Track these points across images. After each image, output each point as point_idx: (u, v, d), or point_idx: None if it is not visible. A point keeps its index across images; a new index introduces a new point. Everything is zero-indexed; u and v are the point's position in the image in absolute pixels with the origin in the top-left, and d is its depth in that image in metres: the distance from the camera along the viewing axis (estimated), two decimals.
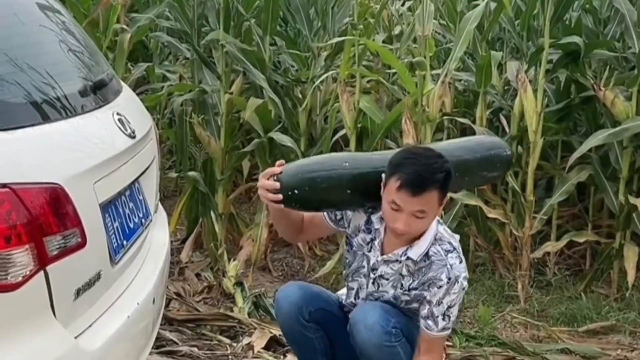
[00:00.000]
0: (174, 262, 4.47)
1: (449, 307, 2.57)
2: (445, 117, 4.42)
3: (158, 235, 2.77)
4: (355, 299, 2.75)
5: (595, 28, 4.71)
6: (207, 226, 4.59)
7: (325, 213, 2.73)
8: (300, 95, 4.83)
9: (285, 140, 4.44)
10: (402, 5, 5.80)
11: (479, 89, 4.44)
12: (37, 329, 1.85)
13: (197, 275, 4.39)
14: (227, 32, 4.51)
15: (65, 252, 1.89)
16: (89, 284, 2.03)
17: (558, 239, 4.41)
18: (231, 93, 4.53)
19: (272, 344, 3.51)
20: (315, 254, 4.68)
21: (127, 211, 2.37)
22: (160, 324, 3.10)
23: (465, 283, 2.60)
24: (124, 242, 2.30)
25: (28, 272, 1.81)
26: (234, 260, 4.27)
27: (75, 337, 1.98)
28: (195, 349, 3.42)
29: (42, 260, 1.83)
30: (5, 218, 1.77)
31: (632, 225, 4.18)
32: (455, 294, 2.57)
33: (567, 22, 4.66)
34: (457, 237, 2.70)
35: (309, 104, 4.65)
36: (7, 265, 1.78)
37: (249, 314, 3.81)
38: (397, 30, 5.43)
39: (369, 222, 2.68)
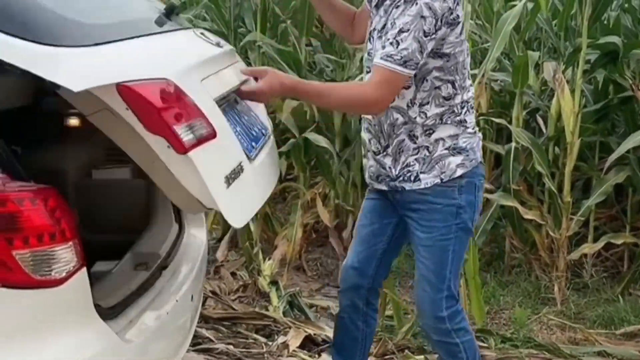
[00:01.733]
0: (210, 261, 4.51)
1: (401, 30, 2.34)
2: (481, 118, 4.40)
3: (196, 233, 2.82)
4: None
5: (634, 28, 4.67)
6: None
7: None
8: None
9: (320, 140, 4.47)
10: None
11: (515, 89, 4.42)
12: (79, 324, 1.89)
13: (233, 274, 4.43)
14: (264, 33, 4.55)
15: (200, 141, 1.91)
16: (234, 174, 2.05)
17: (595, 240, 4.37)
18: None
19: (307, 343, 3.53)
20: None
21: (244, 120, 2.40)
22: (197, 322, 3.15)
23: (427, 11, 2.33)
24: (253, 144, 2.35)
25: (71, 269, 1.85)
26: (269, 259, 4.31)
27: (116, 332, 2.02)
28: (231, 347, 3.45)
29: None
30: (49, 215, 1.82)
31: None
32: (411, 17, 2.32)
33: (605, 22, 4.62)
34: None
35: None
36: (50, 262, 1.83)
37: (284, 313, 3.83)
38: None
39: None
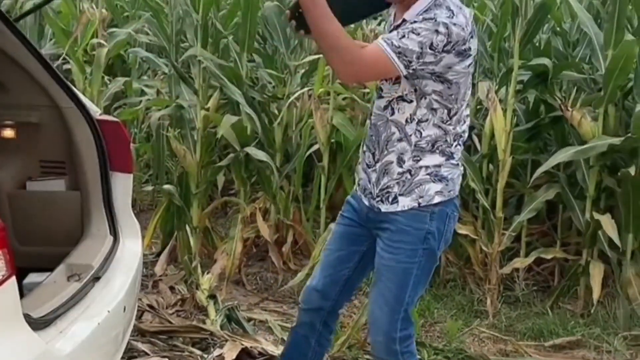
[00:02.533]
0: (148, 275, 4.50)
1: (412, 31, 2.38)
2: None
3: (130, 245, 2.83)
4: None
5: (565, 50, 4.84)
6: (182, 239, 4.63)
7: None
8: (276, 112, 4.90)
9: (260, 155, 4.51)
10: (379, 25, 5.90)
11: None
12: (7, 333, 1.89)
13: (171, 288, 4.42)
14: (205, 49, 4.58)
15: None
16: None
17: (527, 255, 4.49)
18: (208, 109, 4.59)
19: (243, 356, 3.54)
20: (290, 268, 4.72)
21: None
22: (133, 336, 3.15)
23: (443, 29, 2.38)
24: None
25: (0, 277, 1.86)
26: (208, 273, 4.32)
27: (46, 342, 2.02)
28: None
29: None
30: None
31: (598, 243, 4.27)
32: (427, 27, 2.38)
33: (537, 44, 4.77)
34: (467, 10, 2.51)
35: (284, 120, 4.72)
36: None
37: (222, 327, 3.83)
38: None
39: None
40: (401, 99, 2.50)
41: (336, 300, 2.79)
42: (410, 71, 2.41)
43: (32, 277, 2.61)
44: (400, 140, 2.52)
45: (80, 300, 2.31)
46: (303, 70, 4.90)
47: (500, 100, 4.32)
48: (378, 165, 2.57)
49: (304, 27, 2.45)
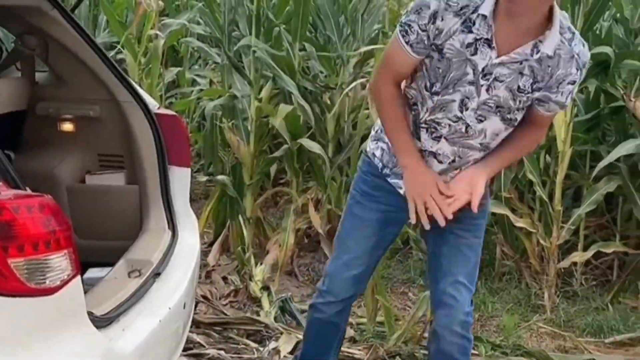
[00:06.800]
0: (201, 265, 4.49)
1: (574, 89, 2.35)
2: None
3: (188, 239, 2.82)
4: (460, 110, 2.37)
5: (626, 38, 4.69)
6: (234, 230, 4.64)
7: (403, 47, 2.35)
8: (329, 102, 4.86)
9: (313, 146, 4.48)
10: None
11: None
12: (73, 333, 1.89)
13: (224, 278, 4.43)
14: (258, 38, 4.56)
15: None
16: None
17: (585, 249, 4.39)
18: (260, 99, 4.57)
19: (298, 349, 3.53)
20: None
21: None
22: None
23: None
24: None
25: (66, 277, 1.86)
26: (261, 264, 4.31)
27: (109, 340, 2.03)
28: (222, 352, 3.45)
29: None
30: (45, 223, 1.82)
31: None
32: (581, 78, 2.33)
33: (597, 32, 4.64)
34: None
35: (337, 111, 4.68)
36: (45, 270, 1.83)
37: (275, 319, 3.83)
38: None
39: (466, 21, 2.26)
40: None
41: (366, 284, 2.81)
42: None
43: (92, 272, 2.62)
44: None
45: (142, 297, 2.31)
46: (355, 60, 4.84)
47: None
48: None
49: None
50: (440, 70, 2.33)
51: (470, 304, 2.58)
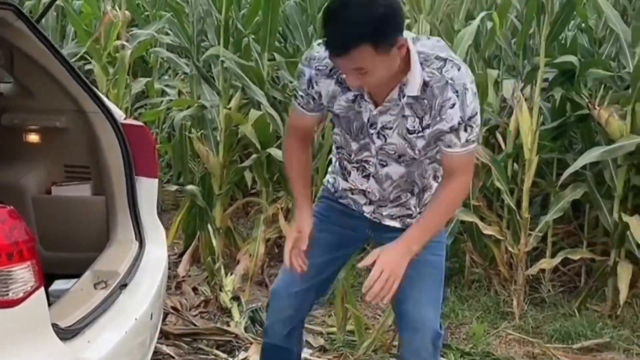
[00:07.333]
0: (171, 276, 4.48)
1: (470, 117, 2.28)
2: None
3: (156, 250, 2.81)
4: (364, 153, 2.46)
5: (591, 47, 4.77)
6: (204, 240, 4.62)
7: (296, 108, 2.51)
8: None
9: (282, 156, 4.47)
10: None
11: None
12: (37, 345, 1.88)
13: (194, 289, 4.41)
14: (227, 48, 4.56)
15: None
16: None
17: (553, 256, 4.43)
18: (229, 108, 4.57)
19: None
20: None
21: None
22: (158, 339, 3.13)
23: (474, 86, 2.28)
24: None
25: (29, 289, 1.84)
26: (231, 274, 4.30)
27: (74, 352, 2.01)
28: None
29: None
30: (7, 235, 1.80)
31: (627, 243, 4.20)
32: (471, 102, 2.27)
33: (562, 42, 4.71)
34: (437, 40, 2.39)
35: None
36: (8, 282, 1.81)
37: (246, 329, 3.83)
38: None
39: (341, 82, 2.35)
40: None
41: (316, 302, 2.78)
42: None
43: (58, 284, 2.60)
44: None
45: (108, 309, 2.30)
46: None
47: (525, 99, 4.26)
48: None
49: None
50: (346, 121, 2.43)
51: (440, 327, 2.55)
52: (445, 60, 2.28)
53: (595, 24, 4.76)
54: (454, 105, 2.26)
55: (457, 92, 2.25)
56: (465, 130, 2.29)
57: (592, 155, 4.16)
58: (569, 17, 4.41)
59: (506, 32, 4.66)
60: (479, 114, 2.30)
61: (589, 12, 4.90)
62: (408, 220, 2.54)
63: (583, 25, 4.86)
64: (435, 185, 2.51)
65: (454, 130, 2.29)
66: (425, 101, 2.29)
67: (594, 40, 4.75)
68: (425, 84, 2.27)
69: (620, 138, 4.11)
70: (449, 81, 2.26)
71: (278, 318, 2.67)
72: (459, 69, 2.27)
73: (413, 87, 2.28)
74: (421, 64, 2.26)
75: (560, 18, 4.25)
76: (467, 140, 2.30)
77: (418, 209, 2.53)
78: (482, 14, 4.48)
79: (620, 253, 4.25)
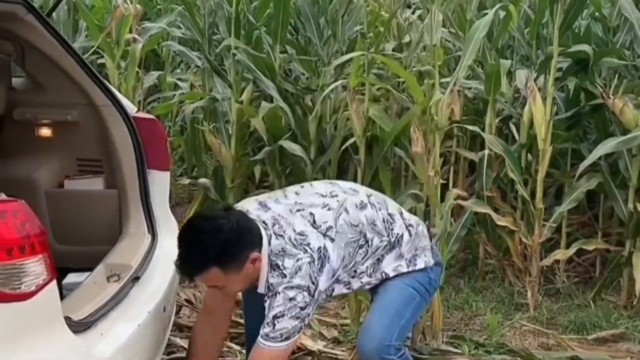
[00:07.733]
0: None
1: (275, 316, 2.42)
2: (454, 125, 4.42)
3: (168, 243, 2.81)
4: None
5: (605, 36, 4.72)
6: None
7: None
8: (310, 104, 4.85)
9: (295, 148, 4.48)
10: (413, 13, 5.81)
11: (488, 97, 4.45)
12: (49, 338, 1.88)
13: None
14: (238, 40, 4.55)
15: None
16: None
17: (568, 246, 4.40)
18: (241, 101, 4.57)
19: None
20: None
21: None
22: (172, 331, 3.14)
23: (290, 293, 2.42)
24: None
25: (41, 282, 1.85)
26: None
27: (87, 345, 2.01)
28: None
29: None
30: (18, 228, 1.81)
31: None
32: (279, 306, 2.42)
33: (576, 31, 4.66)
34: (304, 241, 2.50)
35: (319, 112, 4.68)
36: (20, 275, 1.82)
37: None
38: (407, 38, 5.44)
39: None
40: None
41: None
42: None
43: (71, 277, 2.61)
44: None
45: (120, 301, 2.30)
46: (337, 62, 4.84)
47: (539, 89, 4.22)
48: None
49: None
50: None
51: (394, 336, 2.66)
52: (279, 267, 2.44)
53: (609, 12, 4.71)
54: (270, 305, 2.44)
55: (269, 294, 2.45)
56: (268, 325, 2.43)
57: (607, 146, 4.12)
58: (583, 5, 4.37)
59: (519, 21, 4.62)
60: (286, 320, 2.42)
61: (602, 0, 4.85)
62: None
63: (597, 13, 4.80)
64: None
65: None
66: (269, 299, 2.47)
67: (608, 28, 4.70)
68: (270, 285, 2.45)
69: (635, 128, 4.07)
70: (269, 286, 2.45)
71: None
72: (283, 277, 2.42)
73: (261, 287, 2.48)
74: (270, 268, 2.44)
75: (573, 7, 4.22)
76: (266, 336, 2.44)
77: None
78: (497, 5, 4.43)
79: (635, 243, 4.22)
